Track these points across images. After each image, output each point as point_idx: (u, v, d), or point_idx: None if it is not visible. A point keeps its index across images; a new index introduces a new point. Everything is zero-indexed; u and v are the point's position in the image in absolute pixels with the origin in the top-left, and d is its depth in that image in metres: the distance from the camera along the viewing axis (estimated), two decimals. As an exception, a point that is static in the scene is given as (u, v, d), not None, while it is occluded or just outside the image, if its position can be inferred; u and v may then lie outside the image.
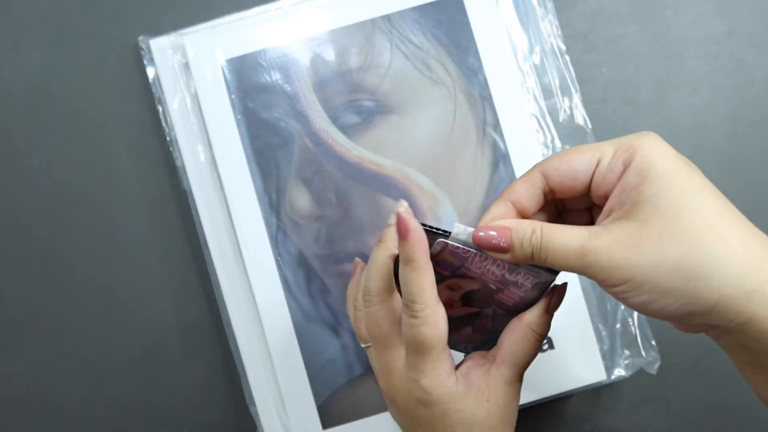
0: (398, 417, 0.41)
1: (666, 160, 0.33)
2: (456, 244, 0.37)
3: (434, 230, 0.37)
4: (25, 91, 0.53)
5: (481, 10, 0.52)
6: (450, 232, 0.37)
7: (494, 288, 0.38)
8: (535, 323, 0.39)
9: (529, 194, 0.37)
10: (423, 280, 0.36)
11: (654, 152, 0.33)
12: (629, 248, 0.32)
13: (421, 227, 0.36)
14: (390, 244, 0.39)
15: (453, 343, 0.42)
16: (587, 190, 0.36)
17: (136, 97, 0.53)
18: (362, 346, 0.42)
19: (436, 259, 0.37)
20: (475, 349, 0.42)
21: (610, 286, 0.33)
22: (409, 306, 0.37)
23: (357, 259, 0.47)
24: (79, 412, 0.53)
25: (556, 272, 0.37)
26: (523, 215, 0.37)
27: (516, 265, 0.37)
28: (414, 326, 0.37)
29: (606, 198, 0.35)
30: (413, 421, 0.39)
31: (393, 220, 0.39)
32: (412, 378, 0.38)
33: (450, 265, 0.38)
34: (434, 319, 0.37)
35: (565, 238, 0.34)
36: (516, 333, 0.39)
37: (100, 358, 0.53)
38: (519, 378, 0.40)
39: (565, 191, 0.36)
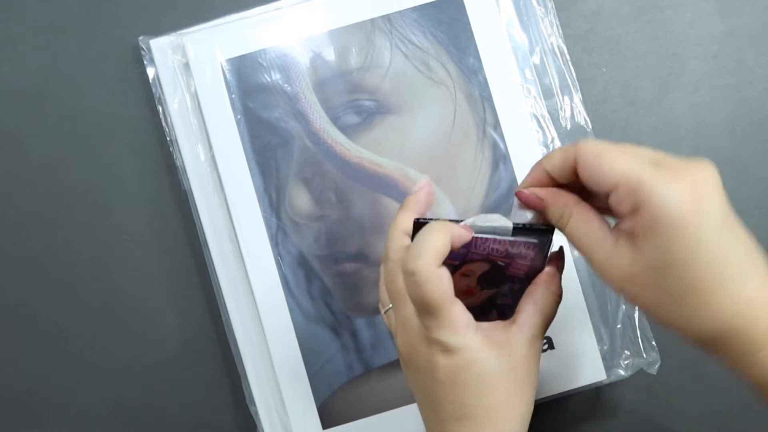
0: (415, 379, 0.40)
1: (675, 228, 0.33)
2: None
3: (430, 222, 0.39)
4: (25, 91, 0.53)
5: (481, 10, 0.52)
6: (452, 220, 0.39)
7: (503, 264, 0.39)
8: (551, 282, 0.40)
9: (562, 169, 0.38)
10: (436, 241, 0.37)
11: (666, 215, 0.33)
12: (623, 281, 0.35)
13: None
14: (411, 209, 0.42)
15: None
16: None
17: (136, 97, 0.53)
18: (382, 313, 0.43)
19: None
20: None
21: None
22: (406, 268, 0.38)
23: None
24: (78, 413, 0.53)
25: (551, 229, 0.39)
26: (555, 182, 0.39)
27: (513, 238, 0.39)
28: (416, 285, 0.37)
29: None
30: (433, 380, 0.39)
31: (418, 186, 0.43)
32: (429, 335, 0.38)
33: (457, 254, 0.39)
34: (435, 278, 0.37)
35: (581, 239, 0.36)
36: (534, 295, 0.40)
37: (99, 358, 0.53)
38: (540, 338, 0.40)
39: (591, 188, 0.37)
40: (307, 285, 0.51)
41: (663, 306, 0.35)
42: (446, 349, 0.38)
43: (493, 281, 0.41)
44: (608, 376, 0.51)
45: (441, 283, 0.37)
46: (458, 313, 0.38)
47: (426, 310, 0.38)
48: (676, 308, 0.34)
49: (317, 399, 0.51)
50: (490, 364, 0.38)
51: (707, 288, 0.33)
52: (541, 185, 0.39)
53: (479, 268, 0.40)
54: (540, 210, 0.39)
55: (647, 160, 0.34)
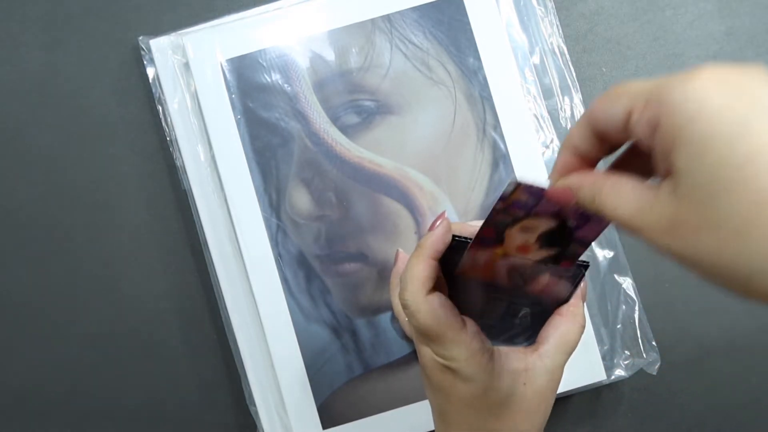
0: (432, 397, 0.40)
1: (699, 122, 0.24)
2: (530, 183, 0.34)
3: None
4: (25, 92, 0.53)
5: (481, 10, 0.52)
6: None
7: (573, 225, 0.35)
8: (577, 314, 0.40)
9: (585, 140, 0.31)
10: (415, 270, 0.37)
11: (685, 110, 0.25)
12: (668, 234, 0.26)
13: (446, 232, 0.38)
14: (426, 252, 0.39)
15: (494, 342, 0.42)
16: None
17: (136, 97, 0.53)
18: (402, 321, 0.44)
19: (509, 201, 0.34)
20: (515, 344, 0.42)
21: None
22: (401, 301, 0.38)
23: (398, 249, 0.50)
24: (78, 413, 0.53)
25: (586, 265, 0.39)
26: (586, 160, 0.32)
27: None
28: (410, 316, 0.37)
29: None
30: (448, 402, 0.39)
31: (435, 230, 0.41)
32: (442, 362, 0.38)
33: (524, 204, 0.35)
34: (424, 307, 0.37)
35: (618, 207, 0.29)
36: (560, 327, 0.39)
37: (99, 359, 0.53)
38: (561, 369, 0.40)
39: (614, 140, 0.30)
40: (307, 285, 0.51)
41: (723, 251, 0.24)
42: (460, 377, 0.38)
43: (555, 241, 0.37)
44: (608, 376, 0.51)
45: (432, 310, 0.37)
46: (468, 339, 0.37)
47: (429, 338, 0.37)
48: (738, 247, 0.24)
49: (317, 399, 0.51)
50: (505, 393, 0.38)
51: (752, 245, 0.24)
52: (573, 169, 0.32)
53: (544, 224, 0.36)
54: (572, 202, 0.32)
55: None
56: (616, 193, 0.29)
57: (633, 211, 0.28)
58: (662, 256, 0.28)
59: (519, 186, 0.34)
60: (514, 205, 0.35)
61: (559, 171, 0.33)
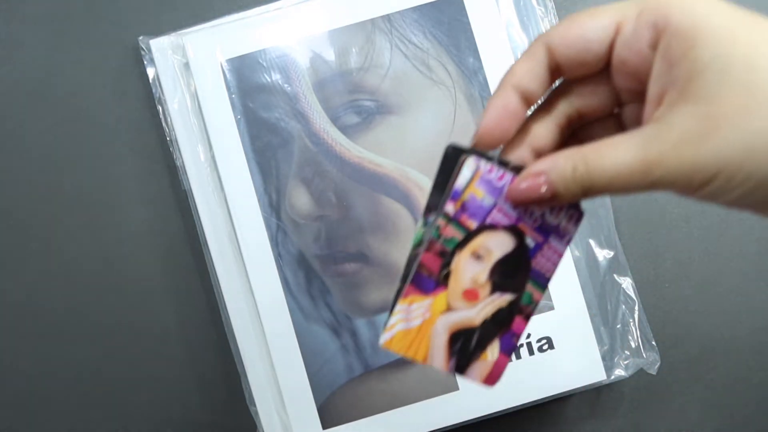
0: None
1: (713, 15, 0.25)
2: (491, 165, 0.26)
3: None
4: (25, 91, 0.53)
5: (481, 10, 0.52)
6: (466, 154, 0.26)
7: (532, 244, 0.28)
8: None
9: (533, 74, 0.28)
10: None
11: (694, 6, 0.25)
12: (705, 139, 0.24)
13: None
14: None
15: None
16: (604, 66, 0.28)
17: (136, 97, 0.53)
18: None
19: (460, 203, 0.27)
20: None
21: (693, 193, 0.26)
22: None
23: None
24: (78, 412, 0.53)
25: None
26: (528, 101, 0.29)
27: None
28: None
29: (635, 78, 0.27)
30: None
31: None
32: None
33: (479, 208, 0.27)
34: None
35: (616, 158, 0.25)
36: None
37: (99, 358, 0.53)
38: None
39: (576, 67, 0.28)
40: (307, 285, 0.51)
41: (757, 166, 0.24)
42: None
43: (512, 280, 0.28)
44: (608, 376, 0.51)
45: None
46: None
47: None
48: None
49: (317, 399, 0.51)
50: None
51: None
52: (513, 113, 0.28)
53: (501, 244, 0.28)
54: (550, 196, 0.27)
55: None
56: (603, 151, 0.26)
57: (638, 149, 0.25)
58: (689, 190, 0.25)
59: (478, 171, 0.26)
60: (467, 209, 0.27)
61: (499, 113, 0.28)
